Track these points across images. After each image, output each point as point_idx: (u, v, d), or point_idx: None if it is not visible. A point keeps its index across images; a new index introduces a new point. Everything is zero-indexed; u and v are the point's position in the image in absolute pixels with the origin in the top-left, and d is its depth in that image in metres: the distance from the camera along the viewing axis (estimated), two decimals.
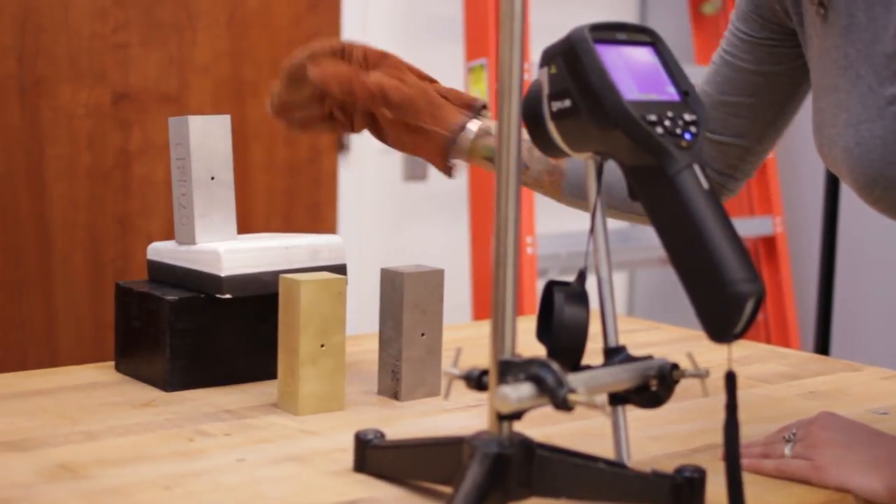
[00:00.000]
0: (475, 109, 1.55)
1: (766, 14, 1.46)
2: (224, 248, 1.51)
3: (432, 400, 1.51)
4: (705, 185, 1.06)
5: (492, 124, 1.54)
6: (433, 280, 1.51)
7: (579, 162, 1.54)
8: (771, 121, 1.51)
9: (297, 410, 1.42)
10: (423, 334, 1.51)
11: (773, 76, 1.47)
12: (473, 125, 1.53)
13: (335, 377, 1.44)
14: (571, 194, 1.57)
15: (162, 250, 1.60)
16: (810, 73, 1.42)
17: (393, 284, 1.50)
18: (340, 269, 1.58)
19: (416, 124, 1.52)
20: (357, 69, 1.51)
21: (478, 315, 3.40)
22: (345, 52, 1.53)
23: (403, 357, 1.49)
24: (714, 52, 1.54)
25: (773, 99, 1.49)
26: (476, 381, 1.07)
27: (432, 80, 1.56)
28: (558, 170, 1.57)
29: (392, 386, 1.51)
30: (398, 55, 1.54)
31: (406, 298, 1.49)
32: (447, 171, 1.55)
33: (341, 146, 3.63)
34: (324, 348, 1.42)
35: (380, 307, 1.52)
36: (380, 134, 1.56)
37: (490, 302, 1.05)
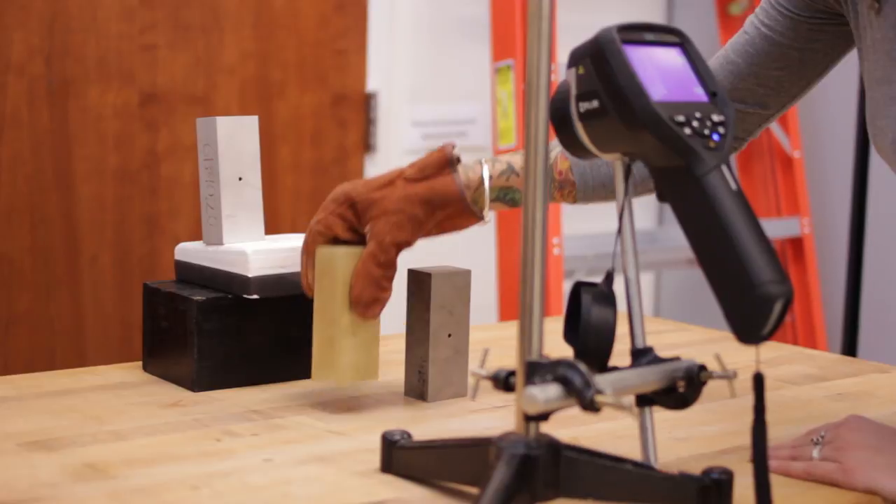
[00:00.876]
0: (453, 163, 1.48)
1: None
2: (252, 249, 1.51)
3: (459, 400, 1.51)
4: (733, 186, 1.06)
5: (483, 169, 1.49)
6: (460, 281, 1.51)
7: (585, 168, 1.54)
8: (796, 94, 1.51)
9: (338, 380, 1.43)
10: (449, 335, 1.51)
11: (809, 53, 1.47)
12: (468, 182, 1.48)
13: (371, 346, 1.45)
14: (586, 198, 1.56)
15: (189, 251, 1.60)
16: (862, 63, 1.42)
17: (420, 285, 1.50)
18: None
19: (432, 227, 1.48)
20: (368, 260, 1.44)
21: (504, 316, 3.40)
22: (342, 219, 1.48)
23: (430, 358, 1.49)
24: (746, 22, 1.52)
25: (803, 74, 1.49)
26: (503, 381, 1.07)
27: (398, 174, 1.49)
28: (568, 182, 1.55)
29: (419, 386, 1.51)
30: (351, 185, 1.48)
31: (433, 299, 1.49)
32: (483, 218, 1.50)
33: (368, 147, 3.63)
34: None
35: (407, 308, 1.52)
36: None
37: (517, 303, 1.05)
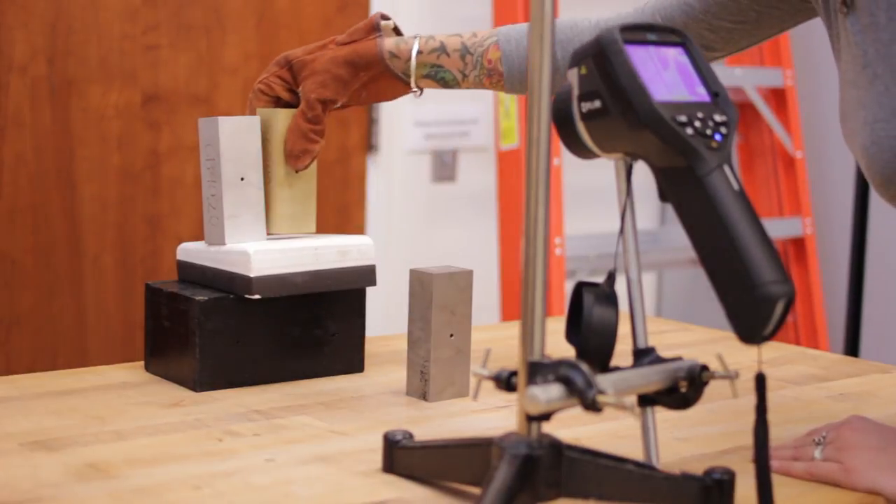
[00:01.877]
0: (377, 28, 1.59)
1: None
2: (254, 249, 1.51)
3: (461, 401, 1.51)
4: (735, 186, 1.06)
5: (416, 42, 1.58)
6: (462, 281, 1.51)
7: (514, 61, 1.58)
8: (744, 46, 1.54)
9: (275, 229, 1.58)
10: (451, 335, 1.51)
11: (766, 16, 1.49)
12: (396, 51, 1.58)
13: (307, 199, 1.61)
14: (513, 90, 1.61)
15: (191, 251, 1.60)
16: (837, 63, 1.42)
17: (422, 285, 1.50)
18: (369, 270, 1.59)
19: (359, 88, 1.59)
20: (298, 116, 1.58)
21: (506, 316, 3.40)
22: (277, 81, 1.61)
23: (432, 358, 1.49)
24: None
25: (755, 32, 1.52)
26: (505, 381, 1.07)
27: (331, 40, 1.61)
28: (496, 72, 1.60)
29: (421, 386, 1.51)
30: (291, 50, 1.61)
31: (435, 299, 1.49)
32: (413, 91, 1.62)
33: (370, 147, 3.63)
34: (297, 173, 1.59)
35: (409, 308, 1.52)
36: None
37: (519, 303, 1.05)
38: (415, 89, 1.60)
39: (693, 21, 1.51)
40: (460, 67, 1.59)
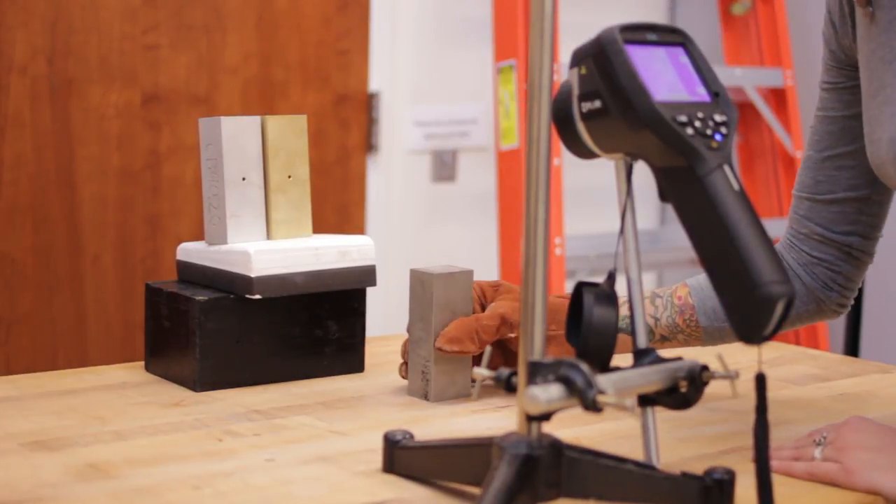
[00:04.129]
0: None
1: (839, 55, 1.47)
2: (254, 249, 1.51)
3: (461, 400, 1.51)
4: (736, 186, 1.06)
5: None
6: (463, 281, 1.51)
7: (705, 288, 1.53)
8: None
9: (270, 235, 1.58)
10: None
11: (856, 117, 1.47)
12: None
13: (302, 204, 1.60)
14: (709, 326, 1.53)
15: (192, 251, 1.60)
16: (861, 87, 1.42)
17: (422, 285, 1.50)
18: (370, 270, 1.59)
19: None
20: (476, 316, 1.50)
21: None
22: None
23: (433, 358, 1.49)
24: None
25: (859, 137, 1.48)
26: (505, 381, 1.07)
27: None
28: (688, 307, 1.54)
29: (422, 387, 1.51)
30: (510, 284, 1.56)
31: (436, 299, 1.49)
32: None
33: (370, 147, 3.63)
34: (290, 179, 1.58)
35: (409, 308, 1.52)
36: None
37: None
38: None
39: (820, 169, 1.51)
40: (651, 312, 1.53)
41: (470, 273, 1.51)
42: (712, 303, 1.52)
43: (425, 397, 1.51)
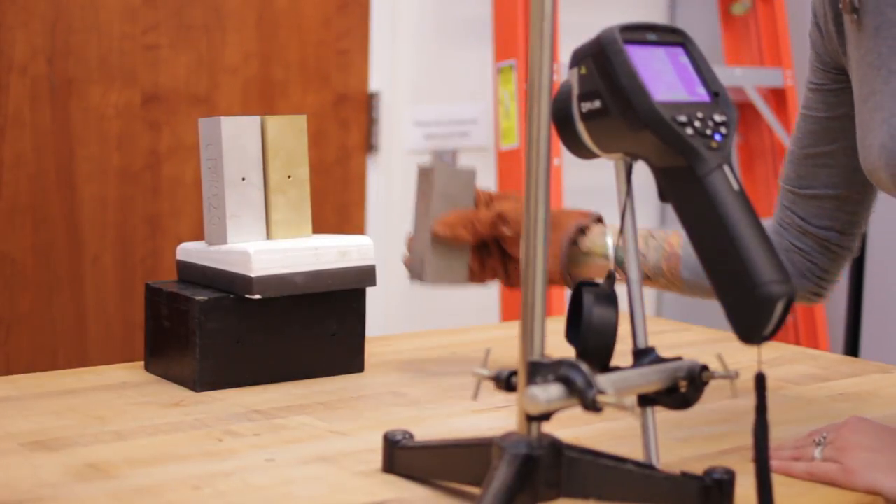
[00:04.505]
0: (592, 217, 1.58)
1: (824, 58, 1.49)
2: (254, 249, 1.51)
3: (461, 401, 1.51)
4: (735, 186, 1.06)
5: (611, 230, 1.57)
6: (465, 177, 1.58)
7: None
8: (855, 165, 1.48)
9: (270, 235, 1.57)
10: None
11: (847, 119, 1.48)
12: (592, 228, 1.57)
13: (301, 204, 1.59)
14: (689, 280, 1.60)
15: (192, 251, 1.60)
16: (853, 92, 1.42)
17: (426, 177, 1.57)
18: (370, 270, 1.59)
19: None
20: (475, 209, 1.57)
21: (506, 316, 3.40)
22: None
23: (431, 241, 1.54)
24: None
25: (849, 143, 1.49)
26: (505, 381, 1.07)
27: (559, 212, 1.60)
28: (675, 255, 1.59)
29: (420, 269, 1.54)
30: (515, 190, 1.60)
31: (436, 188, 1.55)
32: (566, 281, 1.58)
33: (370, 147, 3.63)
34: (290, 179, 1.58)
35: (414, 204, 1.59)
36: (510, 278, 1.61)
37: (519, 303, 1.05)
38: (570, 273, 1.58)
39: (801, 165, 1.55)
40: (643, 250, 1.59)
41: (472, 171, 1.57)
42: (697, 264, 1.57)
43: (421, 278, 1.55)
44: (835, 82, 1.49)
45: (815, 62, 1.51)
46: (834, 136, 1.51)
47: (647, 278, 1.61)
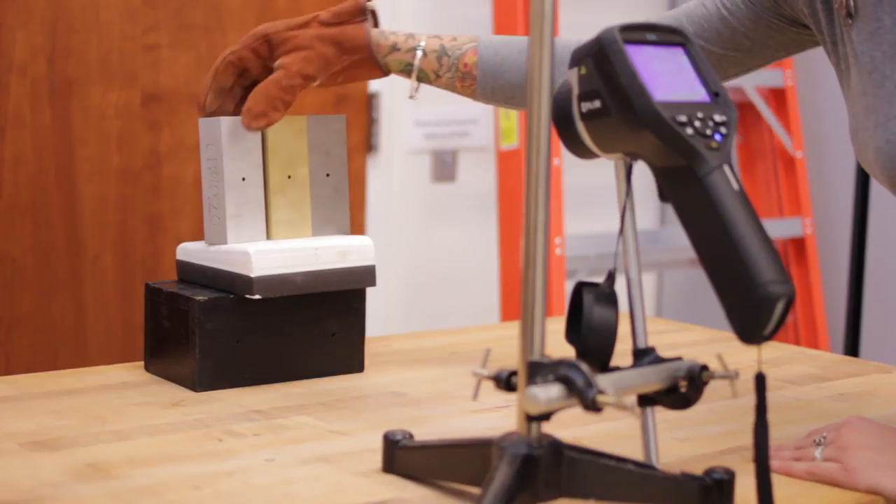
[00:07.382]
0: (364, 12, 1.60)
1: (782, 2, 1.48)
2: (254, 249, 1.51)
3: (460, 401, 1.51)
4: (735, 186, 1.06)
5: (397, 39, 1.61)
6: (335, 125, 1.61)
7: (490, 70, 1.59)
8: (731, 75, 1.55)
9: (270, 235, 1.58)
10: (328, 175, 1.61)
11: (760, 46, 1.51)
12: (379, 41, 1.60)
13: (301, 205, 1.60)
14: (484, 96, 1.63)
15: (192, 251, 1.60)
16: (843, 86, 1.43)
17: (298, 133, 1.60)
18: (370, 270, 1.59)
19: (339, 71, 1.59)
20: (272, 80, 1.55)
21: (506, 316, 3.40)
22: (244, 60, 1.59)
23: (312, 195, 1.59)
24: None
25: (746, 61, 1.53)
26: (505, 381, 1.07)
27: (313, 17, 1.60)
28: (470, 76, 1.61)
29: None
30: (268, 24, 1.59)
31: (310, 141, 1.59)
32: (384, 74, 1.63)
33: (370, 147, 3.63)
34: (290, 179, 1.59)
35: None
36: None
37: (519, 303, 1.05)
38: (412, 95, 1.61)
39: None
40: (435, 69, 1.60)
41: (342, 118, 1.62)
42: (492, 81, 1.60)
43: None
44: (779, 19, 1.49)
45: None
46: (736, 47, 1.52)
47: (432, 84, 1.62)
